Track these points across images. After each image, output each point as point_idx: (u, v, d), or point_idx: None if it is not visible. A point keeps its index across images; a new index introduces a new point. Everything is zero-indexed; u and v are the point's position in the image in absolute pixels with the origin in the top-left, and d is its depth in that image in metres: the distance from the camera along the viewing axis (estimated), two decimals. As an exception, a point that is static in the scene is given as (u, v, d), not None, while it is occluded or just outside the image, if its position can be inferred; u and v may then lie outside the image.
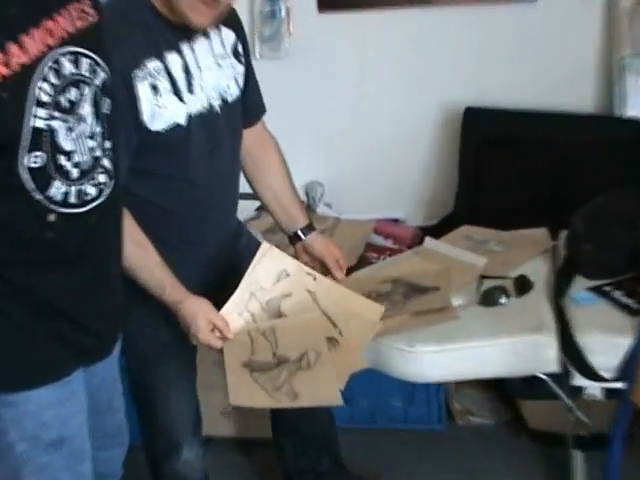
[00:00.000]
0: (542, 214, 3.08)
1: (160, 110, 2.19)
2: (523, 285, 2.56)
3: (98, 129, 1.73)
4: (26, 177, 1.62)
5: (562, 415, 2.73)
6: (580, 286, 2.51)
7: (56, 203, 1.68)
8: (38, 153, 1.62)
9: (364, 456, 3.13)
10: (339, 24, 3.50)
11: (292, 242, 2.60)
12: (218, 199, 2.41)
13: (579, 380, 2.36)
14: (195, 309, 2.21)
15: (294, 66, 3.41)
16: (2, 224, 1.67)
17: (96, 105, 1.72)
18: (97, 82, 1.73)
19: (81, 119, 1.69)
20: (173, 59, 2.20)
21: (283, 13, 3.56)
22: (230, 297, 2.24)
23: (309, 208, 3.50)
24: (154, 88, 2.17)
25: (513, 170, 3.39)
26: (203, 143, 2.30)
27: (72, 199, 1.70)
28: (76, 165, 1.69)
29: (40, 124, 1.60)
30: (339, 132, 3.66)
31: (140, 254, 2.18)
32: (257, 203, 3.13)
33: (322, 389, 2.18)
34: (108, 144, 1.77)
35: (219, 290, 2.31)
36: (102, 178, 1.75)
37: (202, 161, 2.32)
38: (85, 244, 1.78)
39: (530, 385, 2.85)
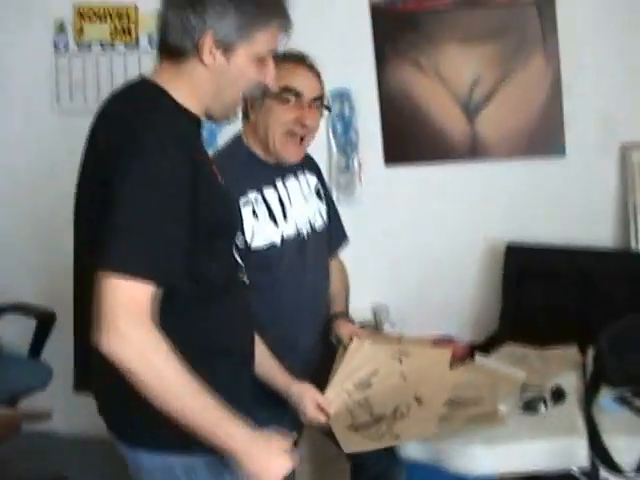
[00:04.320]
0: (573, 334, 3.33)
1: (258, 231, 2.59)
2: (558, 395, 2.83)
3: None
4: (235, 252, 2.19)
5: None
6: (606, 395, 2.79)
7: (242, 271, 2.22)
8: (241, 236, 2.31)
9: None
10: (401, 175, 3.97)
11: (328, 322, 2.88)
12: (307, 308, 2.76)
13: (605, 474, 2.59)
14: (301, 392, 2.52)
15: (365, 208, 3.85)
16: (226, 288, 2.09)
17: None
18: None
19: None
20: (269, 192, 2.64)
21: (355, 166, 4.03)
22: (329, 383, 2.58)
23: (376, 327, 3.88)
24: (254, 213, 2.59)
25: (548, 296, 3.73)
26: (293, 263, 2.68)
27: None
28: None
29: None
30: (401, 262, 4.10)
31: None
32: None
33: (420, 426, 2.49)
34: None
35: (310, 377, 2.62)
36: None
37: (291, 274, 2.68)
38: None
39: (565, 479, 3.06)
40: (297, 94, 2.62)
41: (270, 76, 2.10)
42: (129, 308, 1.78)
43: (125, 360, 1.78)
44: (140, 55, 4.13)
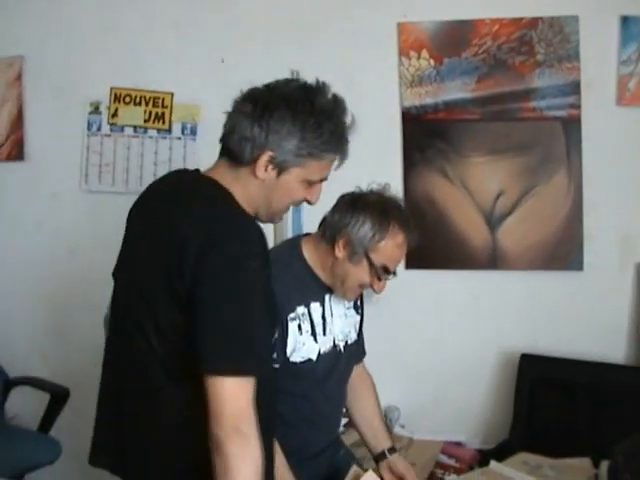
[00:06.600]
0: (584, 445, 3.44)
1: (299, 346, 2.65)
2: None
3: None
4: None
5: None
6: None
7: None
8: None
9: None
10: (420, 279, 4.03)
11: (376, 459, 2.96)
12: (329, 415, 2.87)
13: None
14: None
15: (381, 311, 3.80)
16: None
17: None
18: None
19: None
20: (315, 308, 2.70)
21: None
22: None
23: (387, 428, 3.68)
24: (299, 328, 2.65)
25: (561, 406, 3.77)
26: (324, 375, 2.75)
27: None
28: None
29: None
30: (415, 365, 4.13)
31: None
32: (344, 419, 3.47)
33: None
34: None
35: None
36: None
37: (321, 386, 2.76)
38: None
39: None
40: (388, 273, 2.73)
41: (315, 197, 2.24)
42: (249, 410, 1.96)
43: (240, 460, 1.94)
44: (172, 142, 4.20)
